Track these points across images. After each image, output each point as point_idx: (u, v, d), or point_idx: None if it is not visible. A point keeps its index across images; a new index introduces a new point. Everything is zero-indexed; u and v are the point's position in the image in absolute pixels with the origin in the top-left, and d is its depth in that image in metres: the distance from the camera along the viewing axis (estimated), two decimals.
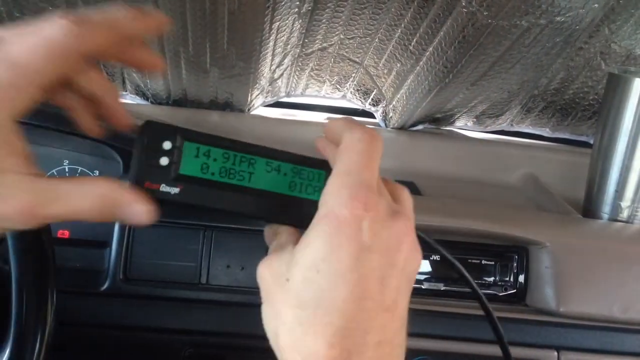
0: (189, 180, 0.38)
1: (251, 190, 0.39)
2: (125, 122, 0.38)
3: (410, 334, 0.72)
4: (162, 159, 0.37)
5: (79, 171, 0.71)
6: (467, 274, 0.51)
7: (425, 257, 0.70)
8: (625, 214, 0.78)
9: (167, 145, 0.37)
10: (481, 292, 0.51)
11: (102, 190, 0.32)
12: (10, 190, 0.30)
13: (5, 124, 0.30)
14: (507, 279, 0.71)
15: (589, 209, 0.82)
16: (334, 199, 0.33)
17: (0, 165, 0.30)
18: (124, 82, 0.89)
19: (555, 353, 0.68)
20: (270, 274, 0.36)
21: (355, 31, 0.81)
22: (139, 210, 0.33)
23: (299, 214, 0.40)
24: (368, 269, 0.33)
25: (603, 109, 0.79)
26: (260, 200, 0.39)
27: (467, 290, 0.71)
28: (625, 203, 0.77)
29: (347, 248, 0.32)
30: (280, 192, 0.40)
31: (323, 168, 0.41)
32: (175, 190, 0.37)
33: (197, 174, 0.38)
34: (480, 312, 0.68)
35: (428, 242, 0.48)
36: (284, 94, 0.96)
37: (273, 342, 0.35)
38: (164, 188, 0.37)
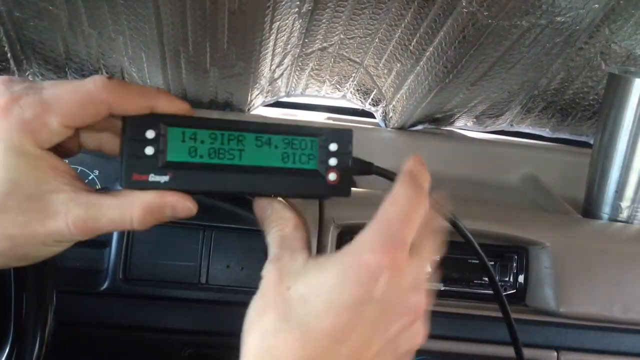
0: (178, 166, 0.37)
1: (243, 168, 0.39)
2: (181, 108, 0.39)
3: None
4: (147, 148, 0.36)
5: (78, 170, 0.71)
6: (495, 277, 0.50)
7: None
8: (625, 214, 0.78)
9: (150, 134, 0.37)
10: (503, 294, 0.51)
11: (146, 198, 0.35)
12: (62, 207, 0.34)
13: (36, 152, 0.33)
14: (507, 279, 0.71)
15: (589, 209, 0.82)
16: (366, 243, 0.34)
17: (51, 186, 0.34)
18: None
19: (555, 353, 0.68)
20: (277, 276, 0.35)
21: (356, 31, 0.81)
22: (182, 207, 0.36)
23: (294, 185, 0.39)
24: (361, 320, 0.33)
25: (603, 109, 0.79)
26: (254, 176, 0.39)
27: (467, 290, 0.71)
28: (625, 203, 0.77)
29: (354, 290, 0.33)
30: (273, 166, 0.39)
31: (315, 135, 0.40)
32: (164, 178, 0.37)
33: (185, 158, 0.37)
34: (480, 313, 0.68)
35: (471, 242, 0.47)
36: (284, 93, 0.96)
37: (245, 334, 0.35)
38: (152, 178, 0.36)
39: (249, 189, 0.39)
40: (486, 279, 0.71)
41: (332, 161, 0.40)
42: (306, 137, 0.40)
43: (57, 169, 0.34)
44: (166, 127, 0.37)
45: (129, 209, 0.35)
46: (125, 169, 0.36)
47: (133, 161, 0.36)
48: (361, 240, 0.34)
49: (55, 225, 0.34)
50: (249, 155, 0.39)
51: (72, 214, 0.34)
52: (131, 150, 0.36)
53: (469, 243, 0.46)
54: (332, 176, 0.40)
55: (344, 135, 0.40)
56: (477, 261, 0.71)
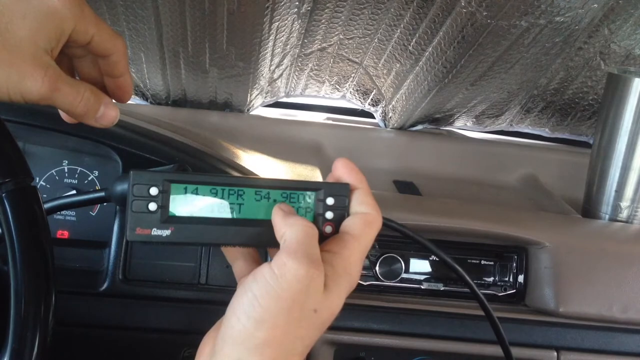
0: (180, 220, 0.40)
1: (242, 221, 0.41)
2: (125, 91, 0.43)
3: (411, 334, 0.72)
4: (150, 204, 0.39)
5: (78, 171, 0.71)
6: (467, 277, 0.50)
7: (424, 257, 0.71)
8: (625, 214, 0.78)
9: (153, 191, 0.39)
10: (480, 292, 0.51)
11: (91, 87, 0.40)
12: (47, 61, 0.37)
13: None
14: (507, 279, 0.71)
15: (588, 209, 0.82)
16: (357, 267, 0.39)
17: (41, 46, 0.37)
18: None
19: (555, 353, 0.68)
20: (309, 291, 0.37)
21: (355, 31, 0.82)
22: (110, 110, 0.40)
23: None
24: None
25: (602, 109, 0.79)
26: (252, 229, 0.41)
27: (466, 290, 0.71)
28: (625, 203, 0.77)
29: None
30: (271, 219, 0.41)
31: (312, 190, 0.42)
32: (166, 232, 0.39)
33: (187, 213, 0.40)
34: (480, 313, 0.68)
35: (427, 246, 0.48)
36: (283, 94, 0.96)
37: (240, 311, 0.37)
38: (155, 232, 0.39)
39: (248, 241, 0.41)
40: (486, 279, 0.71)
41: (329, 215, 0.42)
42: (304, 192, 0.42)
43: (47, 35, 0.37)
44: (169, 184, 0.39)
45: (82, 92, 0.39)
46: (129, 224, 0.39)
47: (137, 216, 0.39)
48: (354, 267, 0.40)
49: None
50: (247, 209, 0.41)
51: (52, 71, 0.37)
52: (136, 208, 0.39)
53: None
54: (327, 229, 0.42)
55: (340, 190, 0.42)
56: (476, 261, 0.71)
